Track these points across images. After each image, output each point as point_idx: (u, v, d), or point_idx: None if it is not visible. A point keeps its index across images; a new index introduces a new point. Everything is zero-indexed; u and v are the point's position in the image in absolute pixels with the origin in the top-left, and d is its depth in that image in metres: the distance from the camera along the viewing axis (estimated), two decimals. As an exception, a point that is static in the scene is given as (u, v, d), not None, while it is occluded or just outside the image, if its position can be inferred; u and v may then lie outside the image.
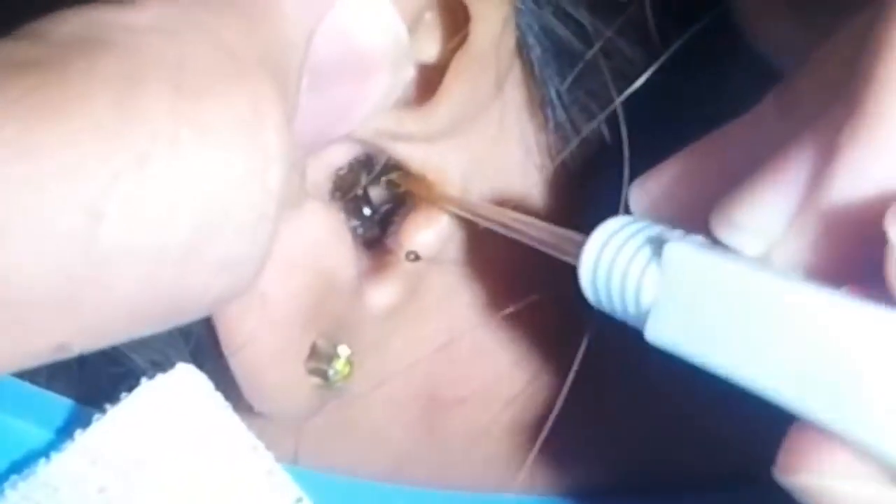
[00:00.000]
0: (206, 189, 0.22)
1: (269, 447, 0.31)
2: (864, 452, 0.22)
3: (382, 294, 0.32)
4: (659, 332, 0.25)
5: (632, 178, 0.27)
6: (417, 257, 0.31)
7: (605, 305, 0.26)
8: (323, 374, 0.30)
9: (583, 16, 0.30)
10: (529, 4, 0.30)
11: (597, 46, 0.30)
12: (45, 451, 0.30)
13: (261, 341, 0.29)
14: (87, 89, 0.21)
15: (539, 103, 0.31)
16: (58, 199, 0.20)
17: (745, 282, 0.23)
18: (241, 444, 0.31)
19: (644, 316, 0.25)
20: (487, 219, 0.30)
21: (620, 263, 0.25)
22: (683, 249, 0.24)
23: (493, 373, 0.34)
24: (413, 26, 0.28)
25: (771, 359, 0.23)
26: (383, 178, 0.32)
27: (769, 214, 0.23)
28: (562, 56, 0.30)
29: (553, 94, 0.31)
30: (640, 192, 0.27)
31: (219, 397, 0.31)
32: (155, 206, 0.21)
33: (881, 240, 0.21)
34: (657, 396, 0.34)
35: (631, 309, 0.25)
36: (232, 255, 0.23)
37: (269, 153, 0.23)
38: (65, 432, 0.30)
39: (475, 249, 0.32)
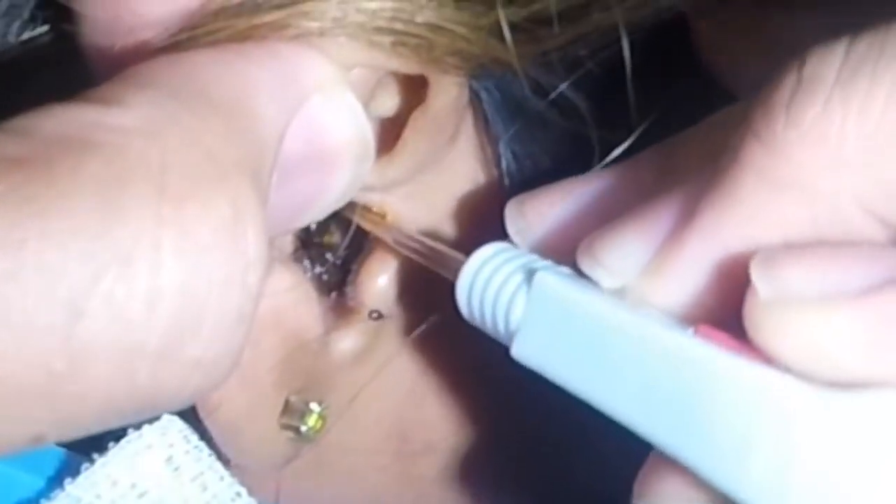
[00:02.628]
0: (185, 291, 0.22)
1: (250, 490, 0.32)
2: (695, 476, 0.24)
3: (348, 342, 0.33)
4: (524, 351, 0.27)
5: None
6: (380, 315, 0.32)
7: (477, 322, 0.29)
8: (296, 430, 0.31)
9: (536, 75, 0.31)
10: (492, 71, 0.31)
11: (548, 99, 0.31)
12: (36, 499, 0.31)
13: (234, 402, 0.30)
14: (72, 189, 0.21)
15: (491, 153, 0.32)
16: (39, 295, 0.21)
17: (599, 314, 0.26)
18: (225, 492, 0.32)
19: (512, 335, 0.28)
20: (399, 243, 0.32)
21: (494, 285, 0.28)
22: (550, 279, 0.27)
23: (459, 413, 0.35)
24: (371, 92, 0.29)
25: (618, 384, 0.25)
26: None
27: (626, 256, 0.25)
28: (513, 109, 0.32)
29: (502, 146, 0.32)
30: (516, 212, 0.29)
31: (202, 446, 0.32)
32: (134, 306, 0.22)
33: (723, 291, 0.24)
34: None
35: (501, 327, 0.28)
36: (208, 355, 0.23)
37: (249, 257, 0.23)
38: (55, 480, 0.31)
39: (429, 291, 0.33)
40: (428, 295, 0.33)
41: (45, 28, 0.29)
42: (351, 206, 0.32)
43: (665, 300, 0.25)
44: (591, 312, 0.26)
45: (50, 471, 0.32)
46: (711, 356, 0.23)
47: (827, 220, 0.23)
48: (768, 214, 0.23)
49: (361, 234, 0.33)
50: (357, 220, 0.32)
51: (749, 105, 0.24)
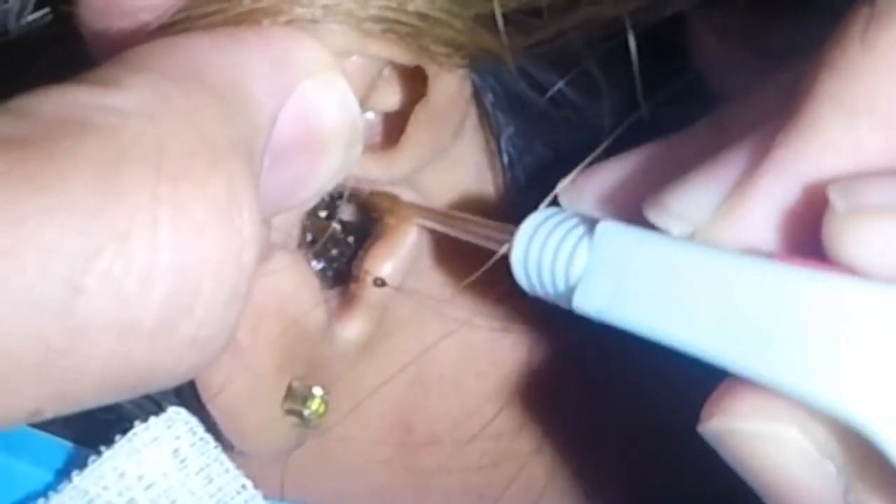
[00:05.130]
0: (181, 269, 0.23)
1: (256, 481, 0.33)
2: (781, 393, 0.24)
3: (351, 330, 0.33)
4: (587, 301, 0.27)
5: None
6: (384, 283, 0.33)
7: (535, 285, 0.28)
8: (299, 415, 0.32)
9: (535, 70, 0.32)
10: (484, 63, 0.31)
11: (546, 96, 0.32)
12: (44, 492, 0.31)
13: (236, 387, 0.30)
14: (70, 168, 0.22)
15: (494, 147, 0.33)
16: (38, 272, 0.21)
17: (672, 250, 0.26)
18: (230, 484, 0.32)
19: (573, 289, 0.27)
20: (441, 221, 0.32)
21: (553, 242, 0.28)
22: (614, 225, 0.27)
23: (462, 405, 0.35)
24: (371, 84, 0.30)
25: (694, 318, 0.25)
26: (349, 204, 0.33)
27: (697, 201, 0.25)
28: (515, 104, 0.32)
29: (504, 141, 0.32)
30: (571, 189, 0.29)
31: (208, 438, 0.32)
32: (131, 284, 0.22)
33: (797, 226, 0.24)
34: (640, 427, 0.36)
35: (560, 284, 0.28)
36: (202, 332, 0.24)
37: (244, 235, 0.24)
38: (63, 473, 0.32)
39: (435, 280, 0.34)
40: (432, 284, 0.34)
41: (45, 10, 0.30)
42: (367, 194, 0.33)
43: (738, 239, 0.25)
44: (663, 251, 0.26)
45: (58, 464, 0.33)
46: (796, 274, 0.23)
47: None
48: (844, 143, 0.23)
49: (367, 225, 0.34)
50: (382, 203, 0.33)
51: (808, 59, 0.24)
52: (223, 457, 0.32)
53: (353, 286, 0.33)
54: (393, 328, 0.34)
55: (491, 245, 0.30)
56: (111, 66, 0.25)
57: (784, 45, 0.30)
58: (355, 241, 0.34)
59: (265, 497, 0.33)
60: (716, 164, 0.25)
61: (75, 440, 0.33)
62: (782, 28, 0.32)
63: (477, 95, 0.32)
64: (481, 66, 0.31)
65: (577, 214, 0.29)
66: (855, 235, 0.23)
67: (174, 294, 0.23)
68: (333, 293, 0.34)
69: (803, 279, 0.23)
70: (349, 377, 0.34)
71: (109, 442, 0.31)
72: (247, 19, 0.27)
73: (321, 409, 0.32)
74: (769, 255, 0.24)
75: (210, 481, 0.32)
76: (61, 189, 0.22)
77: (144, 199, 0.22)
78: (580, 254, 0.27)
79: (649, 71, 0.32)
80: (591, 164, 0.30)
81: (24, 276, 0.21)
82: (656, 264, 0.26)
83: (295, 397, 0.32)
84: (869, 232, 0.22)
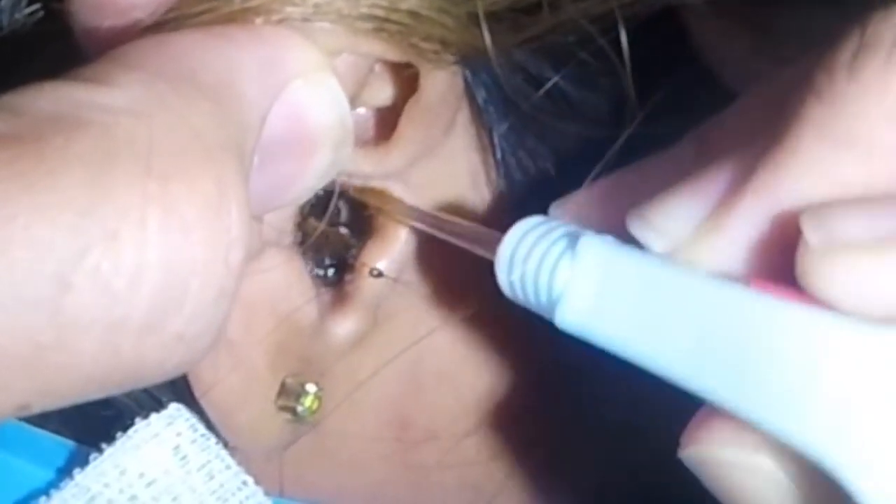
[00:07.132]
0: (170, 267, 0.23)
1: (257, 478, 0.33)
2: (751, 425, 0.24)
3: (345, 326, 0.33)
4: (568, 318, 0.27)
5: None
6: (380, 273, 0.33)
7: (518, 296, 0.28)
8: (292, 411, 0.32)
9: (529, 64, 0.32)
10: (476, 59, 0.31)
11: (541, 91, 0.32)
12: (46, 490, 0.32)
13: (228, 383, 0.31)
14: (61, 165, 0.22)
15: (487, 142, 0.33)
16: (27, 269, 0.21)
17: (650, 271, 0.26)
18: (231, 480, 0.33)
19: (554, 303, 0.27)
20: (429, 222, 0.32)
21: (536, 254, 0.28)
22: (596, 242, 0.27)
23: (459, 400, 0.36)
24: (362, 81, 0.30)
25: (671, 341, 0.25)
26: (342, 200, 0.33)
27: (679, 217, 0.25)
28: (508, 99, 0.32)
29: (497, 136, 0.33)
30: (559, 213, 0.29)
31: (209, 435, 0.32)
32: (119, 281, 0.22)
33: (775, 249, 0.24)
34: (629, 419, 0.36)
35: (543, 297, 0.27)
36: (190, 330, 0.24)
37: (232, 235, 0.24)
38: (65, 471, 0.32)
39: (430, 275, 0.34)
40: (426, 281, 0.34)
41: (36, 6, 0.30)
42: (358, 191, 0.33)
43: (717, 259, 0.25)
44: (642, 271, 0.26)
45: (60, 462, 0.33)
46: (769, 304, 0.23)
47: (883, 175, 0.23)
48: (826, 170, 0.23)
49: (360, 221, 0.34)
50: (375, 202, 0.33)
51: (802, 70, 0.24)
52: (224, 453, 0.32)
53: (346, 281, 0.33)
54: (387, 324, 0.34)
55: (477, 250, 0.30)
56: (103, 63, 0.25)
57: (786, 30, 0.31)
58: (349, 236, 0.34)
59: (266, 493, 0.33)
60: (699, 181, 0.25)
61: (76, 438, 0.34)
62: (782, 13, 0.32)
63: (469, 91, 0.32)
64: (473, 62, 0.31)
65: (564, 225, 0.28)
66: (827, 273, 0.23)
67: (162, 292, 0.23)
68: (326, 289, 0.34)
69: (776, 310, 0.23)
70: (344, 373, 0.34)
71: (110, 439, 0.32)
72: (238, 18, 0.27)
73: (314, 406, 0.32)
74: (746, 281, 0.24)
75: (211, 478, 0.32)
76: (52, 187, 0.22)
77: (134, 197, 0.23)
78: (563, 268, 0.27)
79: (649, 63, 0.32)
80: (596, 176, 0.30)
81: (13, 272, 0.22)
82: (635, 285, 0.26)
83: (288, 394, 0.32)
84: (841, 270, 0.22)
